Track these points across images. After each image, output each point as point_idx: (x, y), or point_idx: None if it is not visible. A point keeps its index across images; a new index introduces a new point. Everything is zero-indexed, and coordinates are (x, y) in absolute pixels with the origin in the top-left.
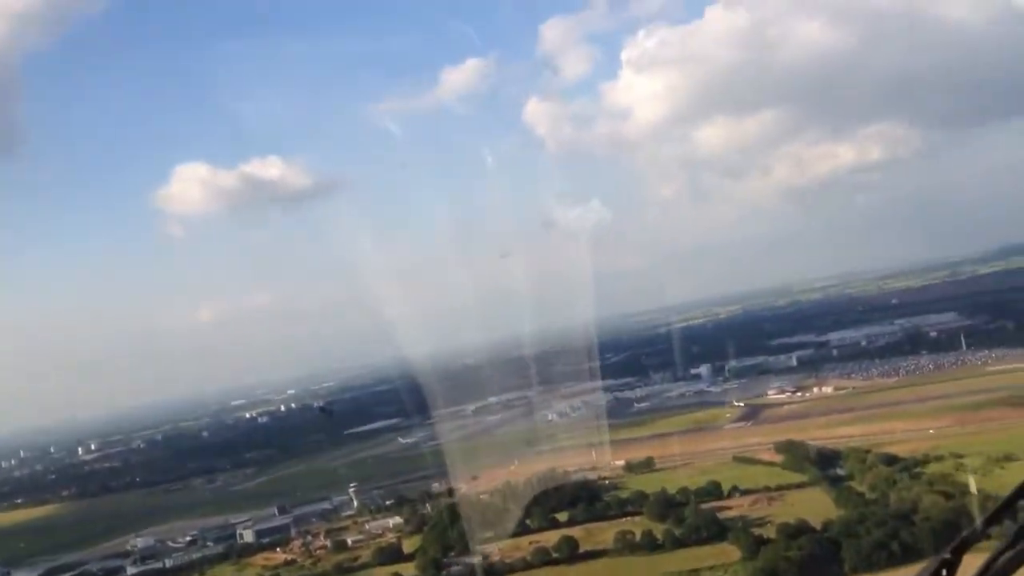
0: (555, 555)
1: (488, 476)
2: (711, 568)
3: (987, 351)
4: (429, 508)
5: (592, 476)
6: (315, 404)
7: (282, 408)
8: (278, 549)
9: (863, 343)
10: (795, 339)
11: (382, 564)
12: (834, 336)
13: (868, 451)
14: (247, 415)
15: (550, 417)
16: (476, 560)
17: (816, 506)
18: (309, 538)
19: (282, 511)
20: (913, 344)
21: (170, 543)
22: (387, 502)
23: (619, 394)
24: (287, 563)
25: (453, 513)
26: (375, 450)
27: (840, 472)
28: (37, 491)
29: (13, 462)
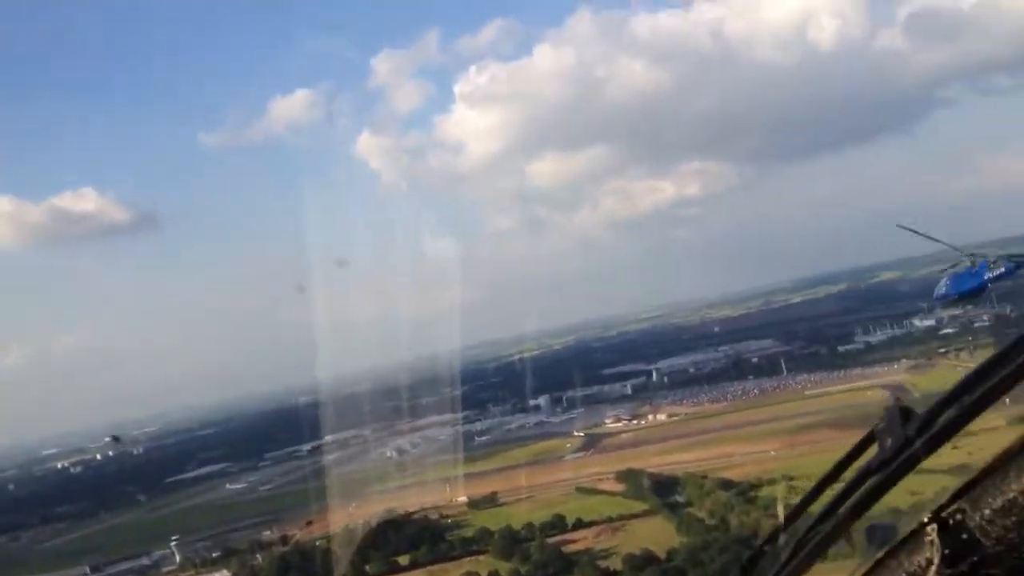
0: None
1: (324, 520)
2: None
3: (805, 375)
4: (260, 559)
5: (434, 515)
6: (133, 451)
7: (98, 456)
8: None
9: (691, 370)
10: (627, 368)
11: None
12: (663, 364)
13: (705, 476)
14: (59, 465)
15: (389, 455)
16: None
17: (659, 535)
18: None
19: (95, 570)
20: (737, 370)
21: None
22: (213, 554)
23: (458, 428)
24: None
25: (285, 563)
26: (201, 498)
27: (680, 499)
28: None
29: None
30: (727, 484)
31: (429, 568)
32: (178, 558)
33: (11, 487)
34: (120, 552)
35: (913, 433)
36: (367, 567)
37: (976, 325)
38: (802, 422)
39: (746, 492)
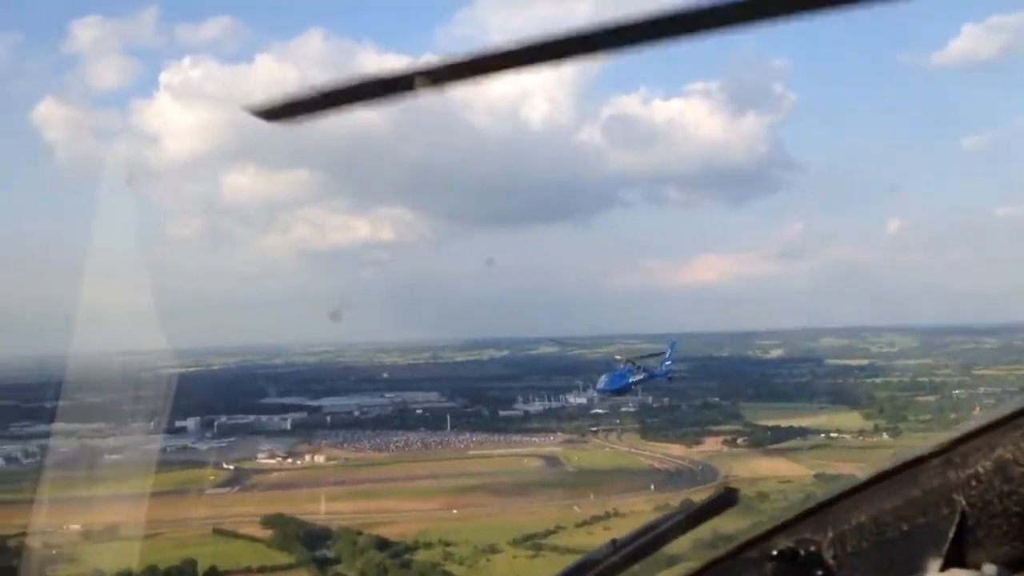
0: None
1: None
2: None
3: (468, 434)
4: None
5: (37, 542)
6: None
7: None
8: None
9: (356, 412)
10: (290, 401)
11: None
12: (327, 402)
13: (360, 532)
14: None
15: None
16: None
17: None
18: None
19: None
20: (402, 419)
21: None
22: None
23: (88, 441)
24: None
25: None
26: None
27: (329, 554)
28: None
29: None
30: (382, 543)
31: None
32: None
33: None
34: None
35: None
36: None
37: (623, 410)
38: (463, 483)
39: (402, 554)
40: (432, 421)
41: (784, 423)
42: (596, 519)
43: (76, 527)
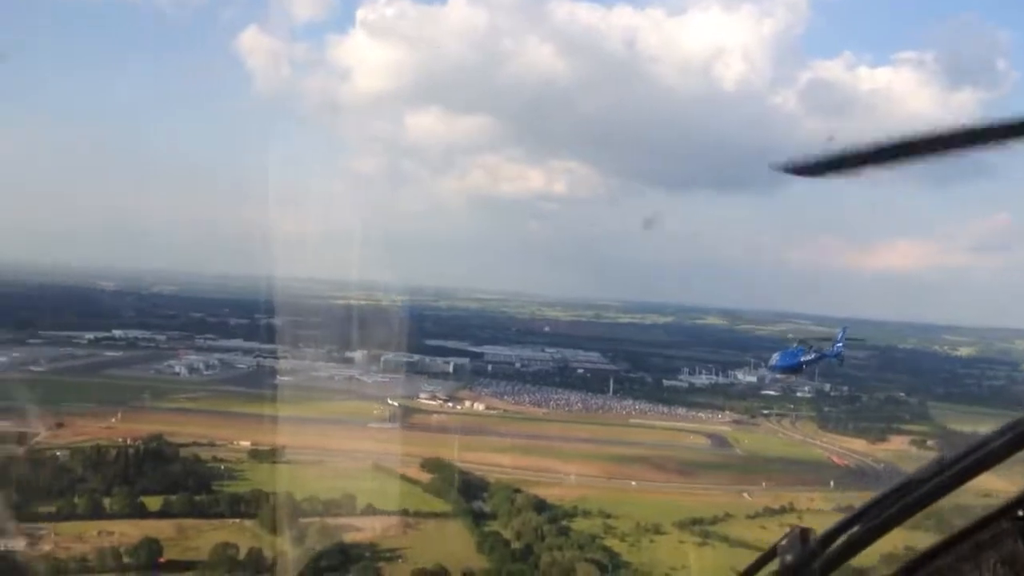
0: (126, 559)
1: (78, 426)
2: None
3: (631, 401)
4: None
5: (206, 454)
6: None
7: None
8: None
9: (517, 364)
10: (452, 344)
11: None
12: (489, 350)
13: (518, 490)
14: None
15: (177, 369)
16: (5, 546)
17: (457, 546)
18: None
19: None
20: (563, 376)
21: None
22: None
23: (263, 360)
24: None
25: (6, 472)
26: None
27: (485, 508)
28: None
29: None
30: (541, 505)
31: (180, 521)
32: None
33: None
34: None
35: (812, 551)
36: (108, 500)
37: (797, 394)
38: (624, 452)
39: (559, 520)
40: (593, 382)
41: (982, 430)
42: (770, 512)
43: (245, 443)
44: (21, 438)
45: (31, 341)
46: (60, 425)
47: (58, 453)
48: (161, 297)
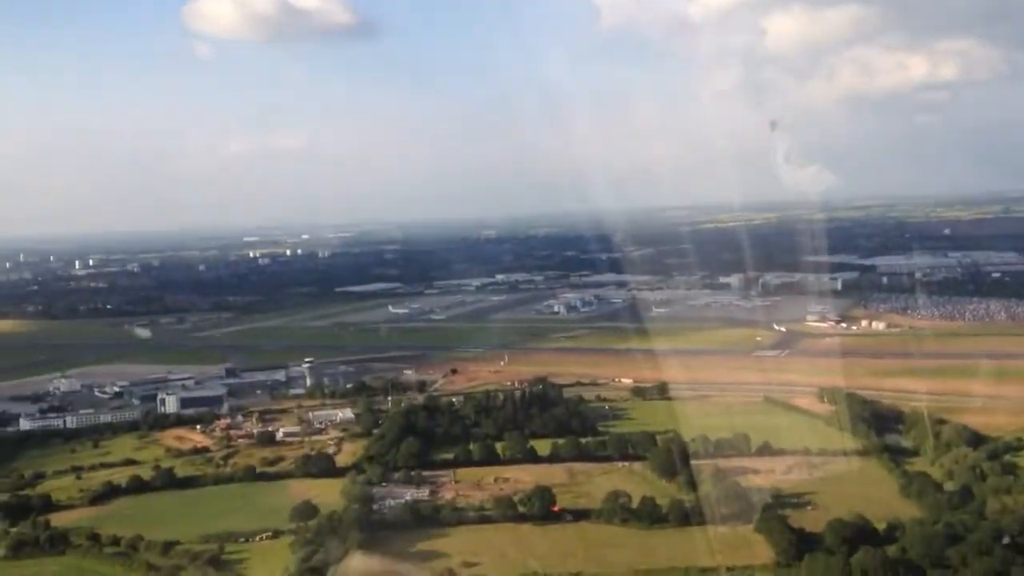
0: (521, 508)
1: (470, 371)
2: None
3: None
4: (390, 403)
5: (590, 394)
6: (320, 253)
7: (287, 252)
8: (198, 427)
9: (917, 275)
10: (836, 259)
11: (306, 476)
12: (881, 261)
13: (942, 420)
14: (251, 254)
15: (556, 308)
16: (412, 495)
17: (875, 491)
18: (240, 418)
19: (230, 373)
20: (975, 283)
21: (95, 390)
22: (347, 385)
23: (637, 293)
24: (197, 450)
25: (409, 420)
26: (361, 315)
27: (903, 443)
28: (11, 302)
29: (8, 265)
30: (975, 438)
31: (570, 465)
32: (308, 381)
33: (201, 267)
34: (262, 359)
35: None
36: (501, 445)
37: None
38: None
39: (1002, 455)
40: (1015, 287)
41: None
42: None
43: (627, 381)
44: (421, 386)
45: (428, 292)
46: (454, 371)
47: (453, 400)
48: (535, 239)
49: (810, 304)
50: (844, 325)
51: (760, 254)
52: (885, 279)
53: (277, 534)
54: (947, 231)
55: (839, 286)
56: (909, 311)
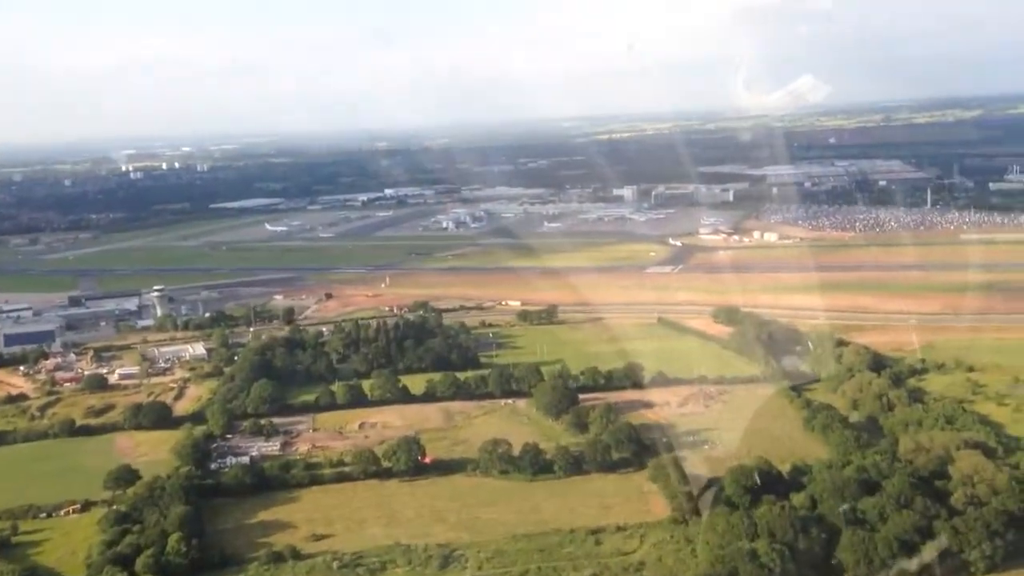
0: (386, 463)
1: (346, 295)
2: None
3: (955, 213)
4: (251, 335)
5: (473, 320)
6: (199, 167)
7: (164, 166)
8: (21, 369)
9: (807, 184)
10: (727, 169)
11: (136, 428)
12: (771, 171)
13: (843, 341)
14: (123, 167)
15: (444, 224)
16: (260, 449)
17: (777, 425)
18: (72, 357)
19: (73, 303)
20: (864, 192)
21: None
22: (206, 314)
23: (529, 207)
24: (11, 398)
25: (266, 357)
26: (236, 233)
27: (803, 368)
28: None
29: None
30: (877, 361)
31: (448, 405)
32: (159, 311)
33: (67, 183)
34: (118, 284)
35: None
36: (367, 385)
37: None
38: (966, 279)
39: (905, 379)
40: (901, 195)
41: None
42: None
43: (514, 303)
44: (288, 314)
45: (311, 208)
46: (328, 296)
47: (323, 329)
48: (429, 152)
49: (703, 216)
50: (737, 238)
51: (652, 166)
52: (775, 189)
53: (87, 506)
54: (832, 140)
55: (731, 197)
56: (800, 222)
